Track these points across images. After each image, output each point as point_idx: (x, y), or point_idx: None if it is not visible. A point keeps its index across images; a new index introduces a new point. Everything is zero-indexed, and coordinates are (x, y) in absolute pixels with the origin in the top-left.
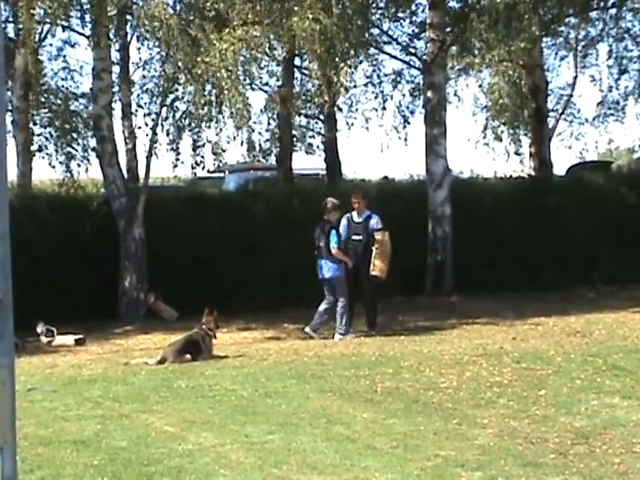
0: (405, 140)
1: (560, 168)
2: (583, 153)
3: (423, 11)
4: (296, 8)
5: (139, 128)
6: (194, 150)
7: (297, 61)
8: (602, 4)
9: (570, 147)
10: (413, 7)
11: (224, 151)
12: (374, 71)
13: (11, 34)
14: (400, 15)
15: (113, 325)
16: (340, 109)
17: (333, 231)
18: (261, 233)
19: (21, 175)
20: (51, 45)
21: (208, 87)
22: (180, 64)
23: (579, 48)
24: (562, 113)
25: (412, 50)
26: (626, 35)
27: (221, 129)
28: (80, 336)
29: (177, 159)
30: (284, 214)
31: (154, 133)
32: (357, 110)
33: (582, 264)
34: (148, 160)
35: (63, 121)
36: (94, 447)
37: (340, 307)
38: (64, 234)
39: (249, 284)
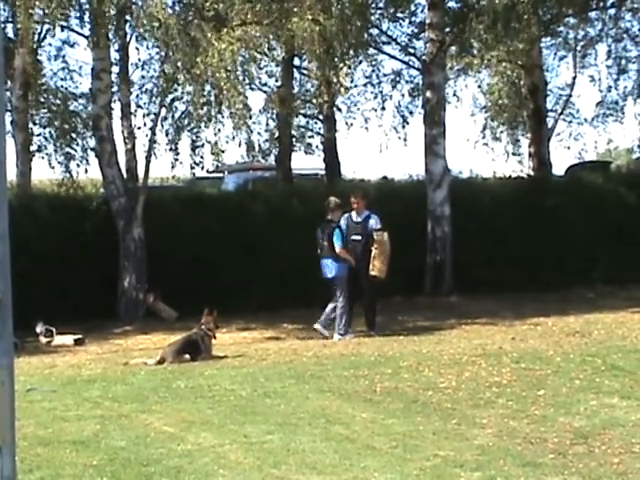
0: (404, 140)
1: (559, 168)
2: (582, 153)
3: (422, 11)
4: (295, 9)
5: (138, 128)
6: (193, 150)
7: (296, 61)
8: (601, 4)
9: (569, 147)
10: (412, 7)
11: (223, 151)
12: (373, 71)
13: (10, 34)
14: (399, 15)
15: (112, 325)
16: (339, 109)
17: (337, 231)
18: (260, 233)
19: (20, 175)
20: (50, 45)
21: (207, 87)
22: (179, 64)
23: (578, 48)
24: (561, 113)
25: (411, 50)
26: (625, 35)
27: (220, 129)
28: (79, 336)
29: (176, 159)
30: (283, 214)
31: (153, 133)
32: (357, 110)
33: (581, 264)
34: (147, 160)
35: (62, 121)
36: (93, 447)
37: (340, 307)
38: (63, 234)
39: (248, 284)
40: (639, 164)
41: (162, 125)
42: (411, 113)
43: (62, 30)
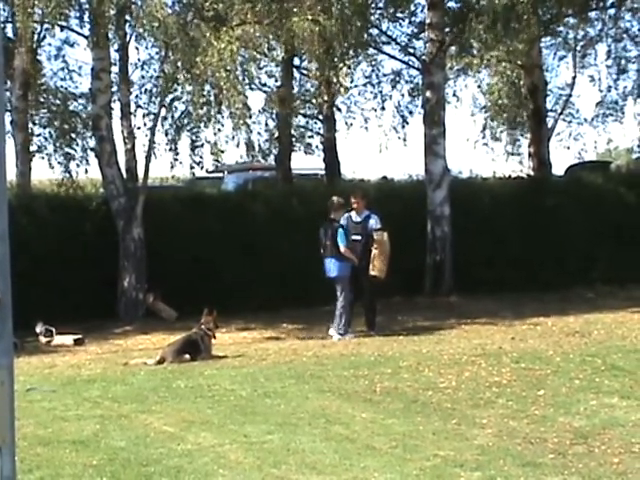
0: (404, 140)
1: (559, 168)
2: (582, 153)
3: (422, 11)
4: (295, 9)
5: (138, 128)
6: (193, 150)
7: (296, 61)
8: (601, 4)
9: (569, 147)
10: (412, 7)
11: (223, 151)
12: (373, 71)
13: (10, 34)
14: (399, 15)
15: (112, 325)
16: (339, 109)
17: (341, 230)
18: (260, 233)
19: (20, 175)
20: (50, 45)
21: (207, 87)
22: (179, 64)
23: (578, 48)
24: (561, 113)
25: (411, 50)
26: (625, 35)
27: (219, 129)
28: (79, 336)
29: (176, 159)
30: (283, 214)
31: (153, 133)
32: (356, 110)
33: (581, 264)
34: (147, 160)
35: (62, 121)
36: (93, 447)
37: (340, 307)
38: (63, 234)
39: (248, 284)
40: (639, 164)
41: (162, 125)
42: (411, 113)
43: (62, 30)
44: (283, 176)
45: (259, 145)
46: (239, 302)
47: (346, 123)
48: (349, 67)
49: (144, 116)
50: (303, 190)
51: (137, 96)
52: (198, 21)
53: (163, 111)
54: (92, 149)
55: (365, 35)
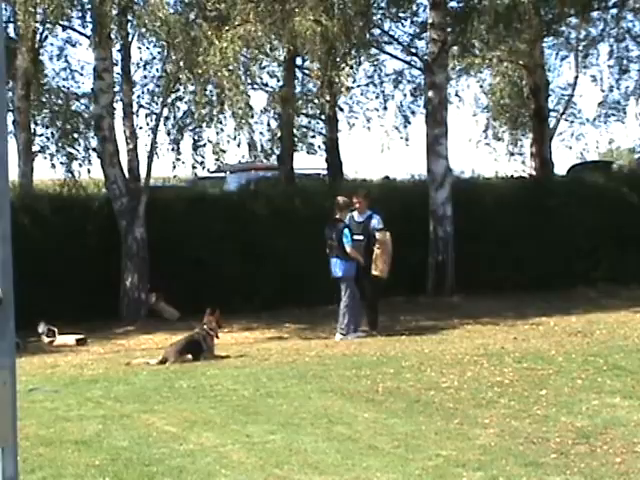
0: (406, 140)
1: (561, 168)
2: (584, 153)
3: (424, 11)
4: (297, 9)
5: (140, 128)
6: (195, 150)
7: (298, 61)
8: (603, 4)
9: (571, 147)
10: (414, 7)
11: (225, 151)
12: (375, 71)
13: (12, 34)
14: (401, 15)
15: (114, 325)
16: (341, 109)
17: (346, 230)
18: (263, 233)
19: (22, 175)
20: (52, 45)
21: (209, 87)
22: (181, 64)
23: (580, 48)
24: (563, 113)
25: (413, 50)
26: (627, 35)
27: (222, 129)
28: (81, 336)
29: (178, 159)
30: (286, 214)
31: (155, 133)
32: (359, 110)
33: (583, 264)
34: (149, 160)
35: (64, 121)
36: (95, 447)
37: (343, 306)
38: (65, 234)
39: (251, 284)
40: None
41: (164, 125)
42: (413, 113)
43: (64, 30)
44: (285, 176)
45: (261, 145)
46: (241, 302)
47: (348, 123)
48: (351, 67)
49: (146, 116)
50: (305, 190)
51: (139, 96)
52: (200, 20)
53: (165, 111)
54: (94, 149)
55: (367, 35)
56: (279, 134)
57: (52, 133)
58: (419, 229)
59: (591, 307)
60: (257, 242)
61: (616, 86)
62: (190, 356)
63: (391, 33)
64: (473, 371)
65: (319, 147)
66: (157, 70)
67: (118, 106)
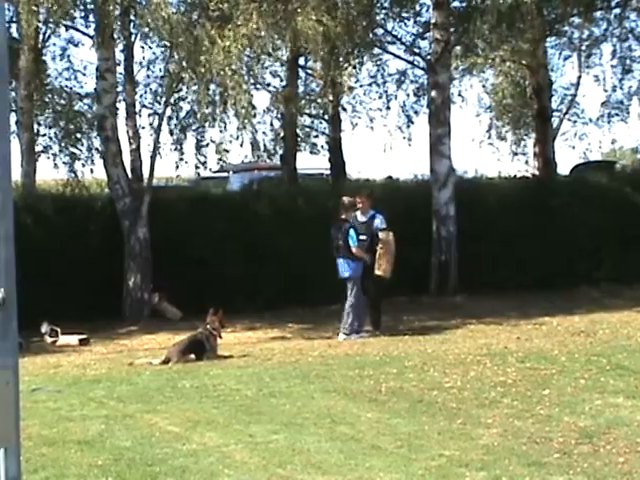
0: (409, 140)
1: (564, 168)
2: (587, 153)
3: (427, 11)
4: (299, 9)
5: (143, 128)
6: (198, 150)
7: (301, 61)
8: (606, 4)
9: (574, 147)
10: (417, 7)
11: (228, 151)
12: (378, 71)
13: (15, 34)
14: (404, 15)
15: (117, 325)
16: (344, 109)
17: (351, 230)
18: (265, 233)
19: (25, 175)
20: (55, 45)
21: (212, 87)
22: (184, 63)
23: (583, 48)
24: (566, 113)
25: (416, 50)
26: (630, 35)
27: (225, 127)
28: (84, 336)
29: (181, 159)
30: (288, 214)
31: (158, 133)
32: (362, 110)
33: (586, 264)
34: (152, 160)
35: (67, 121)
36: (98, 447)
37: (348, 306)
38: (68, 234)
39: (254, 284)
40: None
41: (167, 125)
42: (416, 113)
43: (67, 30)
44: (288, 176)
45: (264, 145)
46: (244, 302)
47: (351, 123)
48: (354, 67)
49: (149, 116)
50: (308, 190)
51: (142, 95)
52: (203, 20)
53: (168, 111)
54: (97, 149)
55: (370, 35)
56: (282, 134)
57: (55, 133)
58: (422, 229)
59: (594, 307)
60: (260, 242)
61: (619, 86)
62: (193, 356)
63: (394, 33)
64: (476, 371)
65: (322, 147)
66: (160, 70)
67: (121, 106)
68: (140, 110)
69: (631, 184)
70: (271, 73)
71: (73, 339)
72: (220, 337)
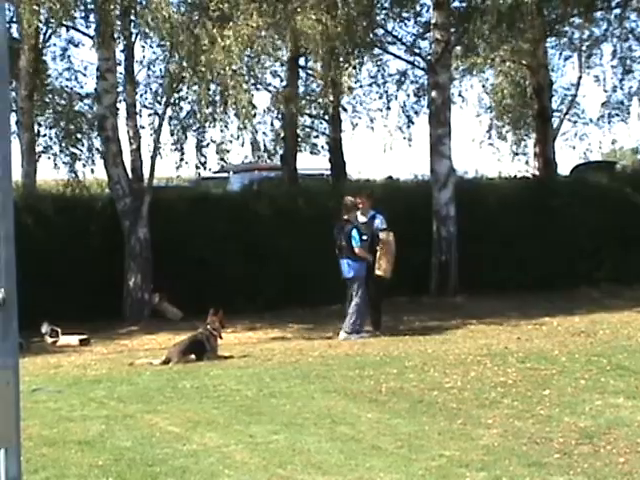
0: (409, 140)
1: (564, 168)
2: (587, 153)
3: (427, 11)
4: (299, 9)
5: (143, 128)
6: (198, 150)
7: (301, 61)
8: (606, 4)
9: (574, 147)
10: (417, 7)
11: (228, 151)
12: (378, 71)
13: (15, 34)
14: (404, 15)
15: (118, 325)
16: (345, 109)
17: (354, 230)
18: (266, 233)
19: (26, 175)
20: (55, 45)
21: (212, 87)
22: (184, 63)
23: (583, 48)
24: (566, 113)
25: (416, 50)
26: (630, 35)
27: (226, 126)
28: (85, 336)
29: (181, 159)
30: (289, 214)
31: (158, 133)
32: (362, 110)
33: (586, 264)
34: (153, 160)
35: (67, 121)
36: (99, 447)
37: (354, 305)
38: (69, 234)
39: (254, 284)
40: None
41: (168, 125)
42: (416, 113)
43: (67, 30)
44: (289, 176)
45: (264, 145)
46: (245, 302)
47: (352, 123)
48: (354, 67)
49: (149, 116)
50: (309, 190)
51: (142, 96)
52: (204, 19)
53: (169, 111)
54: (98, 149)
55: (370, 35)
56: (282, 134)
57: (55, 133)
58: (422, 229)
59: (594, 307)
60: (260, 242)
61: (619, 86)
62: (193, 356)
63: (394, 33)
64: (476, 371)
65: (322, 147)
66: (160, 70)
67: (121, 106)
68: (140, 110)
69: (631, 184)
70: (271, 73)
71: (73, 339)
72: (220, 337)
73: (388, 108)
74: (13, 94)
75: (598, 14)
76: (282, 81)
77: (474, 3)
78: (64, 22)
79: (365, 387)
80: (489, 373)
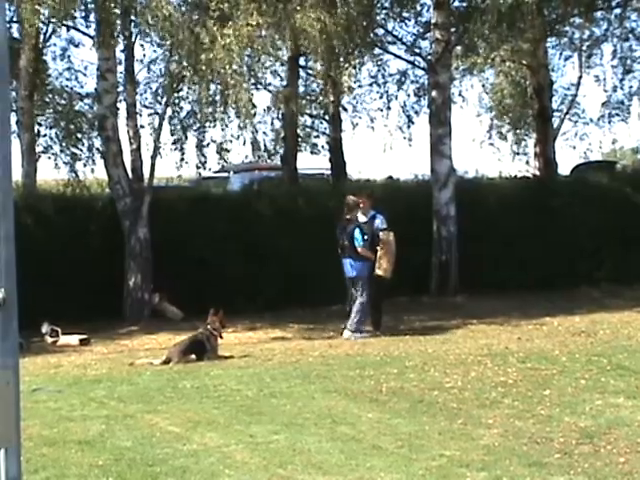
0: (410, 140)
1: (565, 168)
2: (587, 153)
3: (428, 11)
4: (299, 8)
5: (143, 128)
6: (199, 150)
7: (302, 61)
8: (606, 4)
9: (574, 147)
10: (418, 7)
11: (228, 151)
12: (379, 71)
13: (15, 34)
14: (405, 15)
15: (118, 325)
16: (345, 109)
17: (357, 230)
18: (266, 233)
19: (26, 175)
20: (55, 45)
21: (213, 86)
22: (184, 62)
23: (583, 48)
24: (567, 113)
25: (417, 50)
26: (630, 35)
27: (227, 125)
28: (85, 336)
29: (182, 159)
30: (289, 214)
31: (159, 133)
32: (362, 110)
33: (587, 264)
34: (153, 160)
35: (68, 121)
36: (99, 447)
37: (359, 303)
38: (69, 234)
39: (254, 284)
40: None
41: (168, 125)
42: (417, 113)
43: (67, 30)
44: (289, 176)
45: (265, 145)
46: (245, 302)
47: (352, 123)
48: (354, 67)
49: (150, 116)
50: (309, 190)
51: (142, 95)
52: (204, 19)
53: (169, 111)
54: (98, 149)
55: (371, 35)
56: (283, 134)
57: (56, 133)
58: (423, 229)
59: (595, 307)
60: (260, 242)
61: (620, 86)
62: (194, 356)
63: (395, 33)
64: (477, 371)
65: (323, 147)
66: (160, 70)
67: (121, 106)
68: (141, 110)
69: (632, 184)
70: (271, 72)
71: (74, 339)
72: (221, 337)
73: (388, 108)
74: (13, 94)
75: (598, 14)
76: (282, 81)
77: (474, 3)
78: (64, 22)
79: (365, 387)
80: (489, 373)
